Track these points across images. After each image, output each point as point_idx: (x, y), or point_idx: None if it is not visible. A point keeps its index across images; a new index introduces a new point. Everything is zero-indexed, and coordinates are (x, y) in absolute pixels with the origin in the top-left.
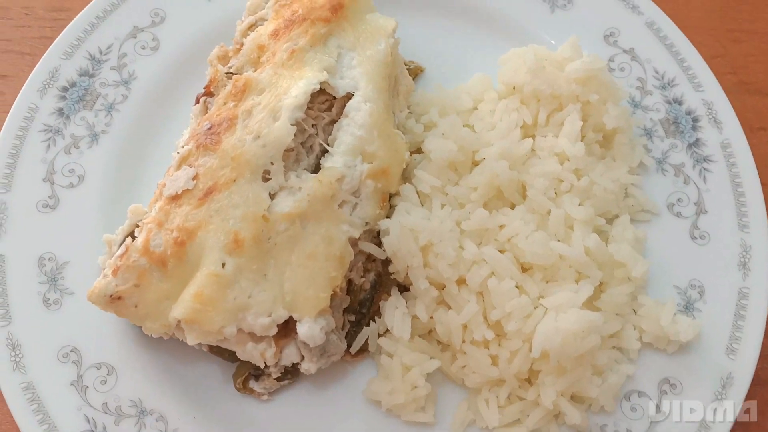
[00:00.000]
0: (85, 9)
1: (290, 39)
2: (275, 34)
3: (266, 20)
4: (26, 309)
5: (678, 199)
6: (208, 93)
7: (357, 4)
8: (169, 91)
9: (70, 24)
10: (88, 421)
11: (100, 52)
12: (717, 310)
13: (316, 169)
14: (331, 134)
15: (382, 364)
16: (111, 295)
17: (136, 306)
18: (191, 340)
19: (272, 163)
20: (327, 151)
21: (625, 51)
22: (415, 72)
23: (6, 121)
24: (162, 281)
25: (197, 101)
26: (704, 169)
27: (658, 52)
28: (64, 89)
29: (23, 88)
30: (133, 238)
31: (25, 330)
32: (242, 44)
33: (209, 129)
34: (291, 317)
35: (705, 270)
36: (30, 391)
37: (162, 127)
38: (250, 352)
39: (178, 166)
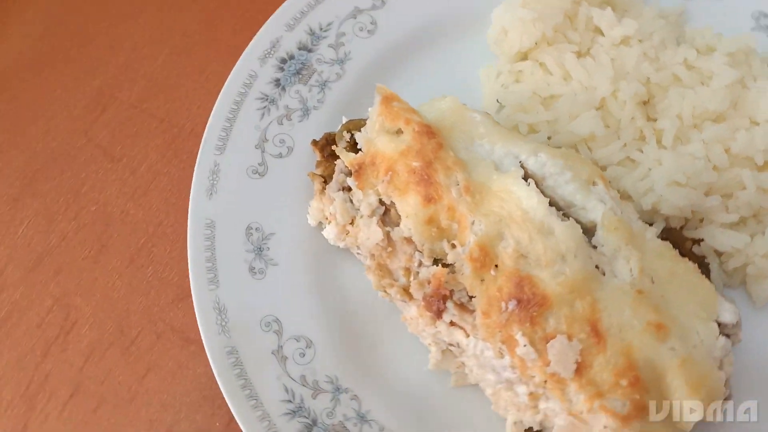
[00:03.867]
0: None
1: None
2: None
3: None
4: (233, 275)
5: None
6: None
7: None
8: (380, 74)
9: None
10: (287, 391)
11: (321, 29)
12: None
13: (588, 228)
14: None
15: None
16: None
17: None
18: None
19: (590, 257)
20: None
21: None
22: None
23: (226, 84)
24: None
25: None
26: None
27: None
28: (283, 60)
29: (244, 52)
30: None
31: (232, 295)
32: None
33: (519, 304)
34: None
35: None
36: (233, 355)
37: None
38: None
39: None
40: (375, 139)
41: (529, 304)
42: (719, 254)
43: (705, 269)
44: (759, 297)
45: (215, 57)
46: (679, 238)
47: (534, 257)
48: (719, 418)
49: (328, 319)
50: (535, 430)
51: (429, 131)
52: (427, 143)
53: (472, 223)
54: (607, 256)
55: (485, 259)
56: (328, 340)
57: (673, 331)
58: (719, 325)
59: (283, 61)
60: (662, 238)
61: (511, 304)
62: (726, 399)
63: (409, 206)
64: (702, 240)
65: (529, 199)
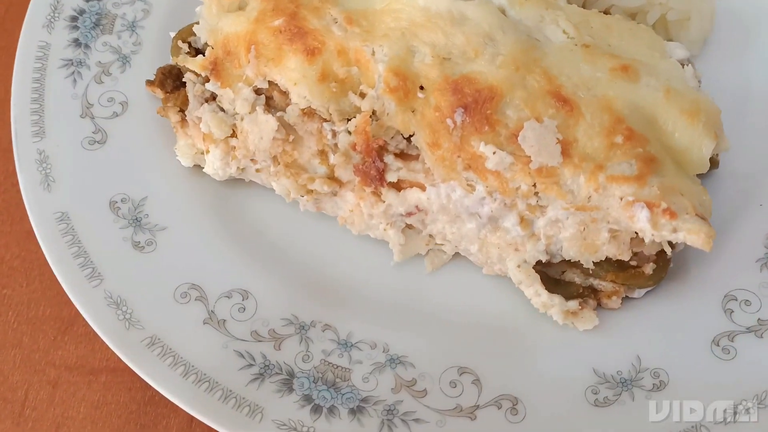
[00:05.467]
0: None
1: None
2: None
3: None
4: (115, 260)
5: None
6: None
7: None
8: None
9: None
10: (242, 356)
11: None
12: None
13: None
14: None
15: None
16: None
17: None
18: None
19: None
20: None
21: None
22: None
23: (15, 66)
24: (667, 171)
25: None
26: None
27: None
28: (74, 18)
29: (23, 26)
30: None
31: (123, 282)
32: None
33: (466, 111)
34: None
35: None
36: (157, 345)
37: None
38: None
39: None
40: (218, 24)
41: (477, 104)
42: (633, 16)
43: None
44: (692, 42)
45: None
46: None
47: (459, 53)
48: (726, 145)
49: (255, 262)
50: (544, 262)
51: None
52: None
53: (373, 53)
54: (531, 25)
55: (405, 83)
56: (265, 282)
57: (641, 69)
58: None
59: (74, 18)
60: None
61: (458, 116)
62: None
63: (292, 71)
64: (612, 6)
65: None
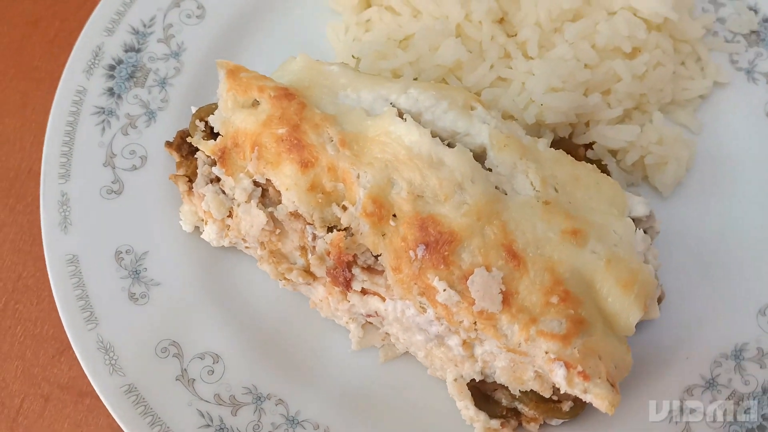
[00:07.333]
0: None
1: None
2: None
3: None
4: (111, 307)
5: None
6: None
7: None
8: (222, 57)
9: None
10: (203, 416)
11: (144, 25)
12: None
13: (479, 153)
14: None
15: None
16: None
17: None
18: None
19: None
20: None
21: None
22: None
23: (53, 107)
24: (595, 332)
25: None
26: None
27: None
28: (111, 67)
29: (65, 69)
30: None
31: (115, 330)
32: None
33: (427, 249)
34: None
35: None
36: (133, 393)
37: None
38: None
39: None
40: (231, 117)
41: (438, 244)
42: (614, 153)
43: (604, 172)
44: (664, 185)
45: (35, 87)
46: (571, 146)
47: (431, 194)
48: (655, 315)
49: (231, 327)
50: (477, 381)
51: (287, 93)
52: (288, 106)
53: (358, 176)
54: (505, 175)
55: (381, 210)
56: (236, 350)
57: (591, 234)
58: (633, 220)
59: (112, 67)
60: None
61: (420, 250)
62: (660, 298)
63: (286, 177)
64: (594, 143)
65: (410, 135)
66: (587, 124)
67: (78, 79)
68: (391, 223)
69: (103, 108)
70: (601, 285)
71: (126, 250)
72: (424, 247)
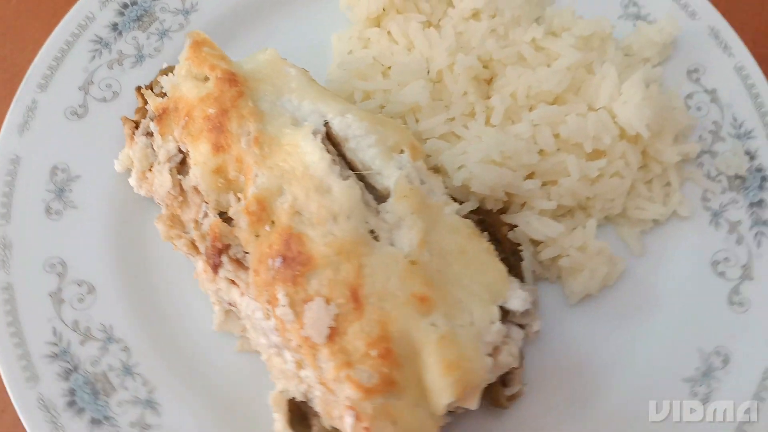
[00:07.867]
0: None
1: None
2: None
3: None
4: (27, 213)
5: (725, 258)
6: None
7: None
8: (227, 31)
9: None
10: (54, 334)
11: None
12: (737, 385)
13: (382, 195)
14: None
15: None
16: None
17: None
18: (476, 405)
19: (367, 222)
20: (367, 175)
21: (706, 91)
22: None
23: (60, 24)
24: (404, 398)
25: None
26: (761, 233)
27: (741, 99)
28: (125, 5)
29: None
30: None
31: (20, 232)
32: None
33: (284, 262)
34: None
35: (735, 340)
36: (7, 291)
37: None
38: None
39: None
40: (181, 83)
41: (294, 262)
42: (536, 243)
43: (518, 257)
44: (571, 293)
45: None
46: (497, 221)
47: (308, 215)
48: (472, 405)
49: (119, 268)
50: (298, 400)
51: (232, 79)
52: (227, 90)
53: (256, 176)
54: (390, 223)
55: (262, 213)
56: (112, 289)
57: (440, 307)
58: (505, 311)
59: (125, 5)
60: (478, 219)
61: (278, 262)
62: (516, 394)
63: (199, 154)
64: (516, 226)
65: (312, 155)
66: (523, 206)
67: (92, 6)
68: (267, 228)
69: (101, 38)
70: (427, 358)
71: (62, 168)
72: (282, 260)
